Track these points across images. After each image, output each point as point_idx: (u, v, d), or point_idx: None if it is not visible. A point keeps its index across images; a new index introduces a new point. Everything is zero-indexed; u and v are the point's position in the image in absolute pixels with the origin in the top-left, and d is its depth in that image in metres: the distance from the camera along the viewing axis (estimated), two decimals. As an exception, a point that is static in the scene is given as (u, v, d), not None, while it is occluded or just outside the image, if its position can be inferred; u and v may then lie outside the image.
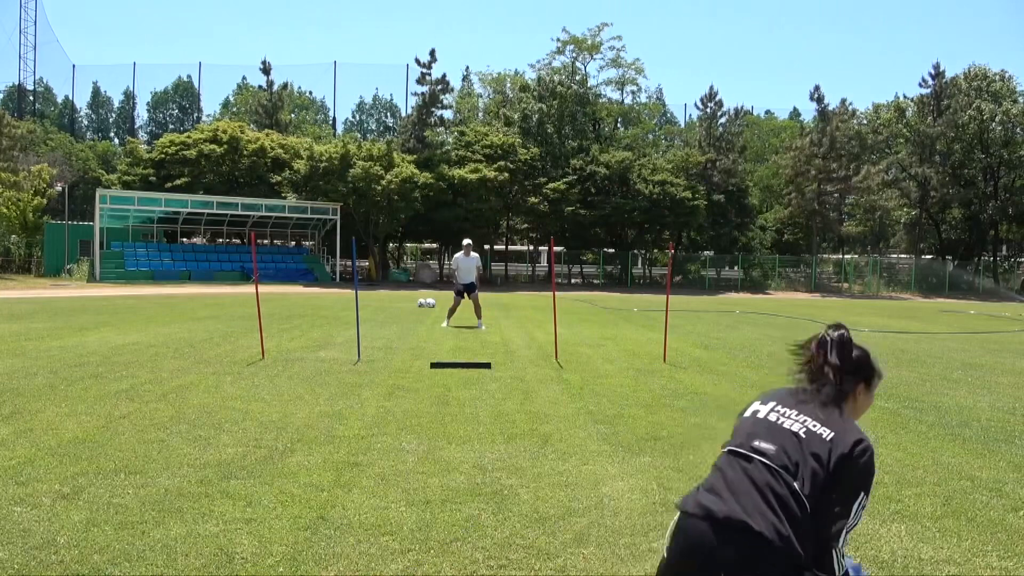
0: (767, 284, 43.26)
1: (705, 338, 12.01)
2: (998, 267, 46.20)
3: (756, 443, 2.06)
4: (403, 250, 49.97)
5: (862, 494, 1.92)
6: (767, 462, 1.98)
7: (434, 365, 7.88)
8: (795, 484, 1.92)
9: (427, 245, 49.64)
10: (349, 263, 39.27)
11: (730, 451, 2.10)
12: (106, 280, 30.77)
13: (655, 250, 46.38)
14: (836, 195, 43.16)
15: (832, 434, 2.00)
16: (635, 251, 44.60)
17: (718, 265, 45.59)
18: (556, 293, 10.35)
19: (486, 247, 42.11)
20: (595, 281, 43.31)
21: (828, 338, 2.20)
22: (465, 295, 13.74)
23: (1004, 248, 50.64)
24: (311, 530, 3.18)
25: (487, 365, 7.97)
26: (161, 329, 11.38)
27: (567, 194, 38.34)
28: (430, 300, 19.00)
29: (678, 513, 2.00)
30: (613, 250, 43.85)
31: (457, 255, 14.07)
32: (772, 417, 2.14)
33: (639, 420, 5.51)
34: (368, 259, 38.81)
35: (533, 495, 3.72)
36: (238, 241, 41.38)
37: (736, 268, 44.59)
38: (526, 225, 43.35)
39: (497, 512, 3.46)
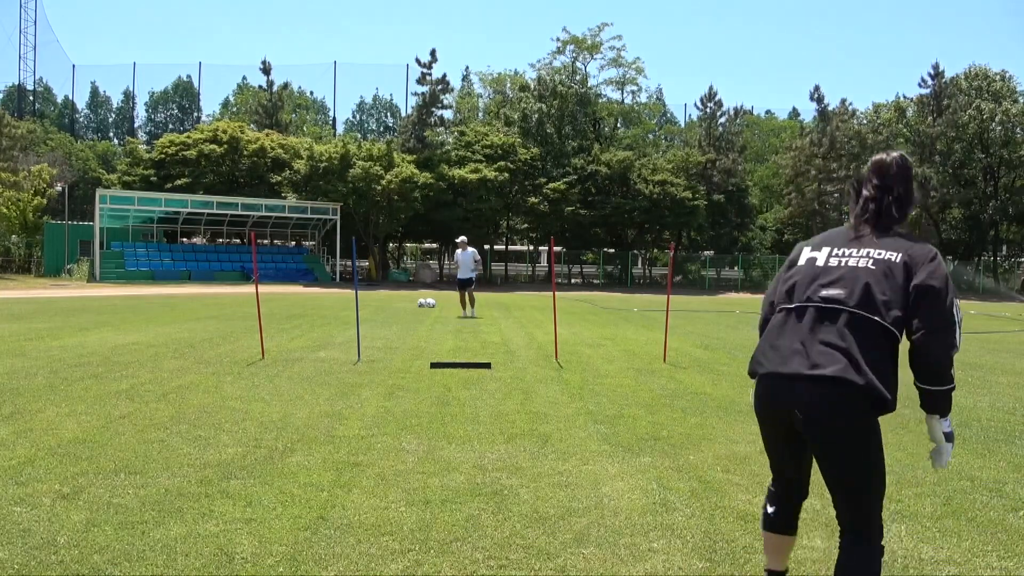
0: (767, 284, 43.22)
1: (705, 338, 12.01)
2: (998, 267, 46.19)
3: (824, 292, 2.15)
4: (403, 250, 49.96)
5: (948, 282, 2.05)
6: (839, 307, 2.09)
7: (434, 365, 7.88)
8: (873, 315, 2.05)
9: (427, 245, 49.64)
10: (349, 263, 39.28)
11: (797, 307, 2.19)
12: (106, 280, 30.78)
13: (655, 250, 46.39)
14: (836, 195, 43.14)
15: (900, 254, 2.11)
16: (635, 251, 44.61)
17: (718, 265, 45.59)
18: (556, 293, 10.35)
19: (486, 247, 42.11)
20: (595, 281, 43.31)
21: (881, 163, 2.27)
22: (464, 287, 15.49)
23: (1004, 248, 50.64)
24: (311, 530, 3.18)
25: (487, 365, 7.97)
26: (161, 329, 11.38)
27: (567, 194, 38.33)
28: (430, 300, 19.00)
29: (757, 376, 2.22)
30: (613, 250, 43.85)
31: (456, 252, 15.89)
32: (834, 261, 2.21)
33: (639, 420, 5.51)
34: (368, 259, 38.82)
35: (533, 495, 3.72)
36: (238, 241, 41.38)
37: (736, 268, 44.59)
38: (526, 225, 43.36)
39: (497, 512, 3.46)
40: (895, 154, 2.27)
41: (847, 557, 2.14)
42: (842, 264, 2.17)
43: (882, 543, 2.16)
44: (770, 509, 2.46)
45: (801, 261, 2.30)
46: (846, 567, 2.13)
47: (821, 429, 2.09)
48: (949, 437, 2.16)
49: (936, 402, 2.11)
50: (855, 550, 2.13)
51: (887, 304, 2.05)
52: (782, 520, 2.44)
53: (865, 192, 2.26)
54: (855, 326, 2.05)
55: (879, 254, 2.13)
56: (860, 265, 2.13)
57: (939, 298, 2.02)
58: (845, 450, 2.08)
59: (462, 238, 16.51)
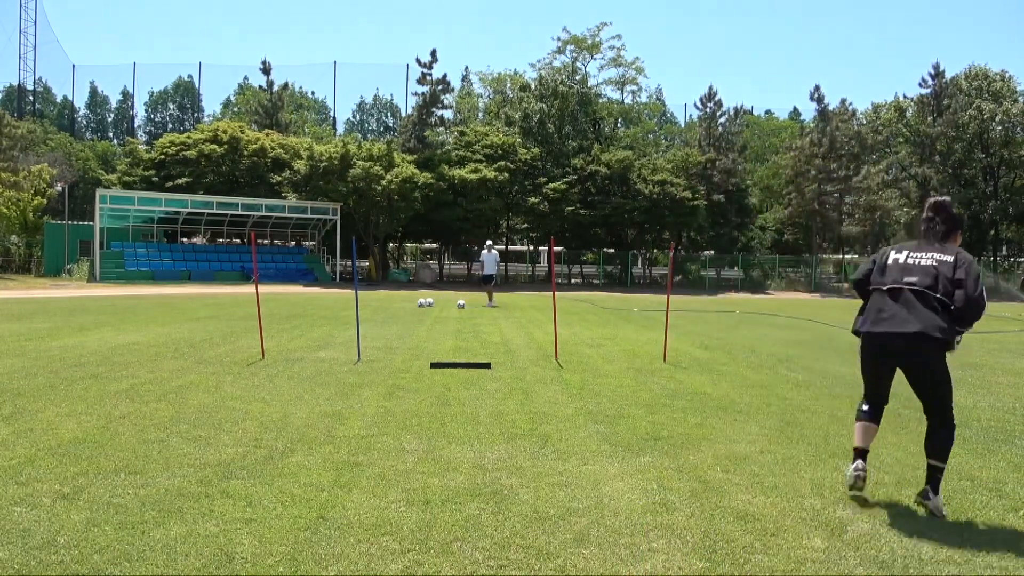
0: (767, 284, 43.27)
1: (705, 338, 12.01)
2: (998, 267, 46.20)
3: (906, 278, 3.68)
4: (403, 250, 49.95)
5: (977, 273, 3.57)
6: (916, 287, 3.64)
7: (434, 365, 7.88)
8: (936, 293, 3.58)
9: (427, 245, 49.62)
10: (349, 263, 39.28)
11: (889, 289, 3.72)
12: (106, 280, 30.78)
13: (655, 250, 46.39)
14: (836, 195, 43.17)
15: (951, 256, 3.65)
16: (635, 251, 44.61)
17: (718, 265, 45.59)
18: (556, 293, 10.35)
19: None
20: (595, 281, 43.31)
21: (937, 203, 3.84)
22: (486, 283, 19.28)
23: (1004, 248, 50.64)
24: (311, 530, 3.18)
25: (487, 365, 7.96)
26: (161, 329, 11.38)
27: (567, 194, 38.32)
28: (430, 300, 19.05)
29: (866, 333, 3.77)
30: (613, 250, 43.84)
31: (482, 253, 19.70)
32: (911, 261, 3.74)
33: (639, 420, 5.51)
34: (368, 259, 38.82)
35: (533, 495, 3.72)
36: (238, 241, 41.38)
37: (736, 268, 44.59)
38: (526, 225, 43.36)
39: (497, 512, 3.46)
40: (939, 198, 3.84)
41: (936, 433, 3.68)
42: (915, 263, 3.70)
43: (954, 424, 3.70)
44: (865, 407, 3.89)
45: (889, 260, 3.80)
46: (938, 436, 3.67)
47: (914, 361, 3.65)
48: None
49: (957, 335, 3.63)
50: (941, 430, 3.67)
51: (944, 287, 3.57)
52: (874, 415, 3.87)
53: (924, 220, 3.86)
54: (925, 300, 3.57)
55: (937, 256, 3.66)
56: (926, 264, 3.66)
57: (968, 284, 3.52)
58: (929, 373, 3.64)
59: (489, 242, 20.80)
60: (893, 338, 3.60)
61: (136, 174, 38.71)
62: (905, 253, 3.76)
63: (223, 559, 2.88)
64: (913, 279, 3.61)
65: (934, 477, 3.61)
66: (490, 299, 19.19)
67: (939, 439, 3.65)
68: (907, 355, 3.62)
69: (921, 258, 3.68)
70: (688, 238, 44.56)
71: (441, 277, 43.31)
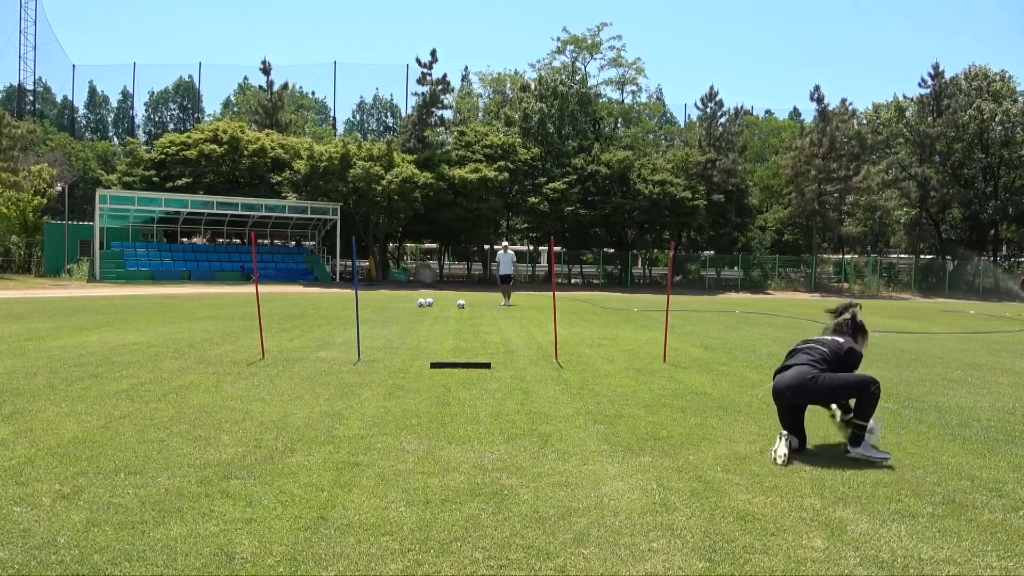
0: (767, 284, 43.26)
1: (705, 338, 12.01)
2: (998, 267, 46.19)
3: (796, 356, 4.80)
4: (403, 250, 49.95)
5: (858, 363, 4.79)
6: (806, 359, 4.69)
7: (434, 365, 7.88)
8: (821, 365, 4.61)
9: (427, 245, 49.61)
10: (349, 263, 39.28)
11: (791, 351, 4.93)
12: (106, 280, 30.78)
13: (655, 250, 46.37)
14: (836, 195, 43.14)
15: (843, 342, 4.77)
16: (635, 251, 44.59)
17: (718, 265, 45.58)
18: (556, 293, 10.35)
19: (486, 247, 42.12)
20: (595, 281, 43.31)
21: (851, 312, 5.00)
22: (503, 284, 19.54)
23: (1004, 248, 50.64)
24: (311, 530, 3.18)
25: (487, 365, 7.96)
26: (161, 329, 11.38)
27: (567, 194, 38.31)
28: (430, 300, 19.05)
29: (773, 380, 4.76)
30: (613, 250, 43.82)
31: (498, 252, 20.22)
32: (811, 343, 4.86)
33: (639, 420, 5.51)
34: (368, 259, 38.81)
35: (533, 495, 3.72)
36: (238, 241, 41.38)
37: (736, 268, 44.58)
38: (526, 225, 43.34)
39: (497, 512, 3.46)
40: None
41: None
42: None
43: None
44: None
45: None
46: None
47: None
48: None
49: None
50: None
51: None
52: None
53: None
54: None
55: (833, 342, 4.91)
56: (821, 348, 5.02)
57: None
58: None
59: (505, 243, 21.75)
60: (780, 381, 4.81)
61: (136, 174, 38.71)
62: (813, 339, 4.99)
63: (223, 559, 2.88)
64: (804, 356, 4.82)
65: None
66: (506, 298, 19.47)
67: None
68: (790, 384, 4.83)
69: (820, 341, 4.88)
70: (688, 238, 44.54)
71: (441, 277, 43.32)
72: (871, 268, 44.44)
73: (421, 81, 42.08)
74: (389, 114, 75.70)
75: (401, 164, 35.35)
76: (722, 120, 45.49)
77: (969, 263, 43.90)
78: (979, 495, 3.90)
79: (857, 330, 4.93)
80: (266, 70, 47.11)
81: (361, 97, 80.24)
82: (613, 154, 40.34)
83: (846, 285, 44.11)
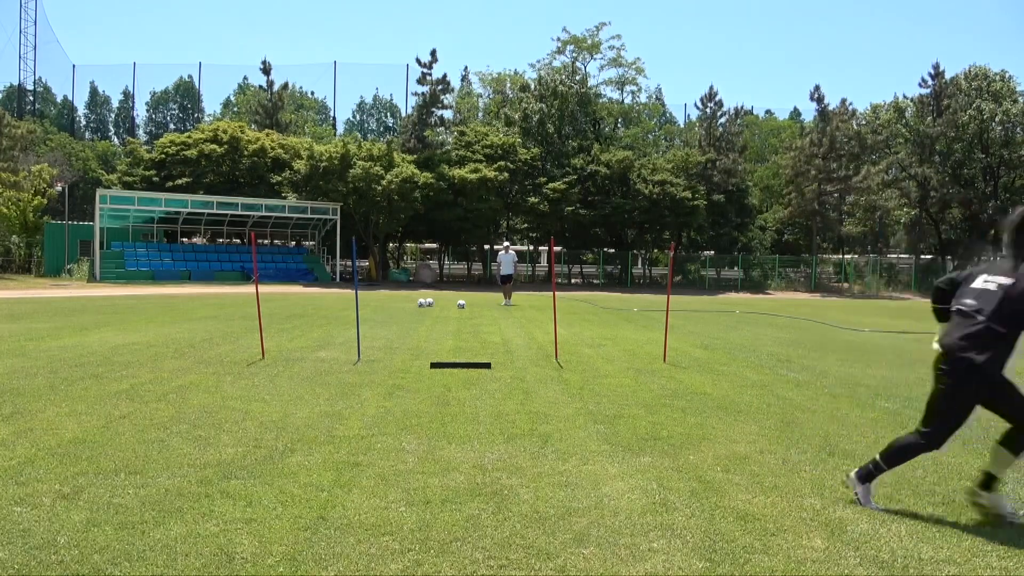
0: (767, 284, 43.25)
1: (705, 338, 12.01)
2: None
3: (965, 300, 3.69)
4: (403, 250, 49.94)
5: None
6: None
7: (434, 365, 7.88)
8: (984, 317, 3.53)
9: (427, 245, 49.59)
10: (349, 263, 39.26)
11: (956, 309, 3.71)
12: (106, 280, 30.77)
13: (655, 250, 46.37)
14: (836, 195, 43.12)
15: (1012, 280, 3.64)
16: (635, 251, 44.58)
17: (718, 265, 45.58)
18: (556, 293, 10.34)
19: (486, 247, 42.12)
20: (595, 281, 43.30)
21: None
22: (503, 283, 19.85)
23: (1004, 248, 50.57)
24: (311, 530, 3.18)
25: (487, 365, 7.96)
26: (161, 329, 11.38)
27: (567, 194, 38.30)
28: (430, 300, 19.04)
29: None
30: (613, 250, 43.82)
31: (500, 252, 20.59)
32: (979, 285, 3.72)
33: (639, 420, 5.51)
34: (368, 259, 38.81)
35: (533, 495, 3.72)
36: (238, 241, 41.37)
37: (736, 268, 44.57)
38: (526, 225, 43.33)
39: (497, 512, 3.46)
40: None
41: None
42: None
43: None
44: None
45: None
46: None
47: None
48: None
49: None
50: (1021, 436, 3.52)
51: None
52: None
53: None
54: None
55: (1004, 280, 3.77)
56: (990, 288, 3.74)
57: None
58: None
59: (507, 243, 22.18)
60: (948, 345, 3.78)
61: (136, 174, 38.71)
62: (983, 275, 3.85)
63: (223, 559, 2.88)
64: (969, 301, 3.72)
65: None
66: (507, 298, 19.78)
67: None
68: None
69: (990, 280, 3.75)
70: (688, 238, 44.52)
71: (441, 277, 43.31)
72: (871, 268, 44.43)
73: (421, 81, 42.08)
74: (389, 114, 75.70)
75: (401, 164, 35.34)
76: (722, 120, 45.49)
77: (969, 263, 43.83)
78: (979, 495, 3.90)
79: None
80: (266, 70, 47.10)
81: (361, 97, 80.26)
82: (613, 154, 40.32)
83: (846, 285, 44.10)
